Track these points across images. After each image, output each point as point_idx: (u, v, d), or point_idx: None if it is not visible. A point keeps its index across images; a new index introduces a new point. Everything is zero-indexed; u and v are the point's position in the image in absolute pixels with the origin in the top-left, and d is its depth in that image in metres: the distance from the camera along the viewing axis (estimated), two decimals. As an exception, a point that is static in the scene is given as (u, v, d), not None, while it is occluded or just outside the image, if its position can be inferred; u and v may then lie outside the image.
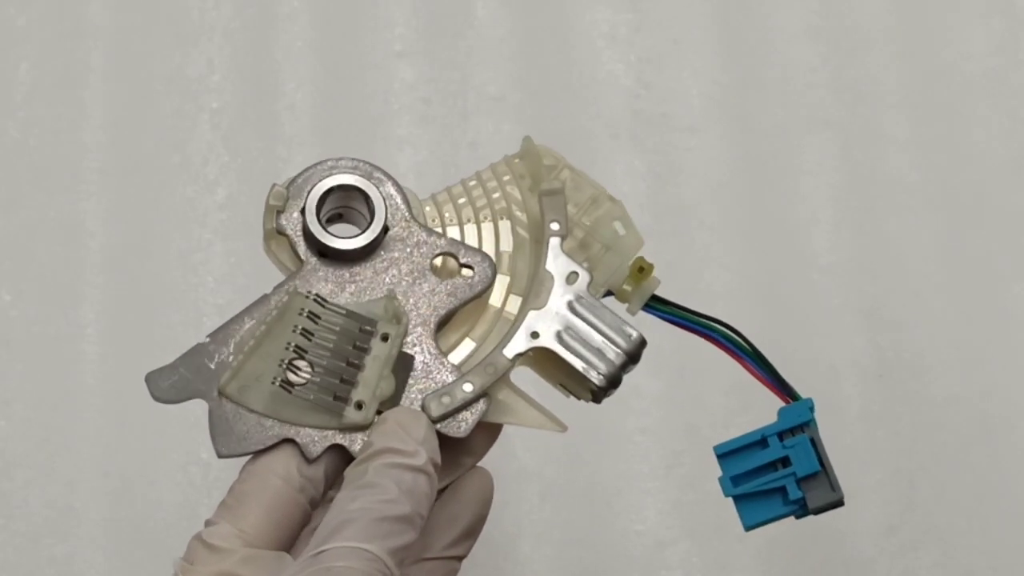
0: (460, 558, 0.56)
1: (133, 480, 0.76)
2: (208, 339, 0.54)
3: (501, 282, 0.56)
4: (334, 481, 0.54)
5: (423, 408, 0.54)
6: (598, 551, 0.76)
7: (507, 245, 0.57)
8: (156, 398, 0.54)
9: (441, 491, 0.56)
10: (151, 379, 0.54)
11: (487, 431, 0.56)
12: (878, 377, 0.79)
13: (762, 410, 0.77)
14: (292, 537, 0.53)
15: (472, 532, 0.56)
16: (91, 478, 0.76)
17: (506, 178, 0.58)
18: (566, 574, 0.75)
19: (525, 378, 0.57)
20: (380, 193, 0.56)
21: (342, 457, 0.54)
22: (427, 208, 0.57)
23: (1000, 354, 0.80)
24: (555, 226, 0.56)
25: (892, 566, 0.76)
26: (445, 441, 0.54)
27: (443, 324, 0.56)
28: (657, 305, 0.57)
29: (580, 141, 0.83)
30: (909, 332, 0.80)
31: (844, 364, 0.79)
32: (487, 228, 0.57)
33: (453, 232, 0.57)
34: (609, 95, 0.85)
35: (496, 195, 0.58)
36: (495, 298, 0.56)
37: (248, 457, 0.54)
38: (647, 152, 0.84)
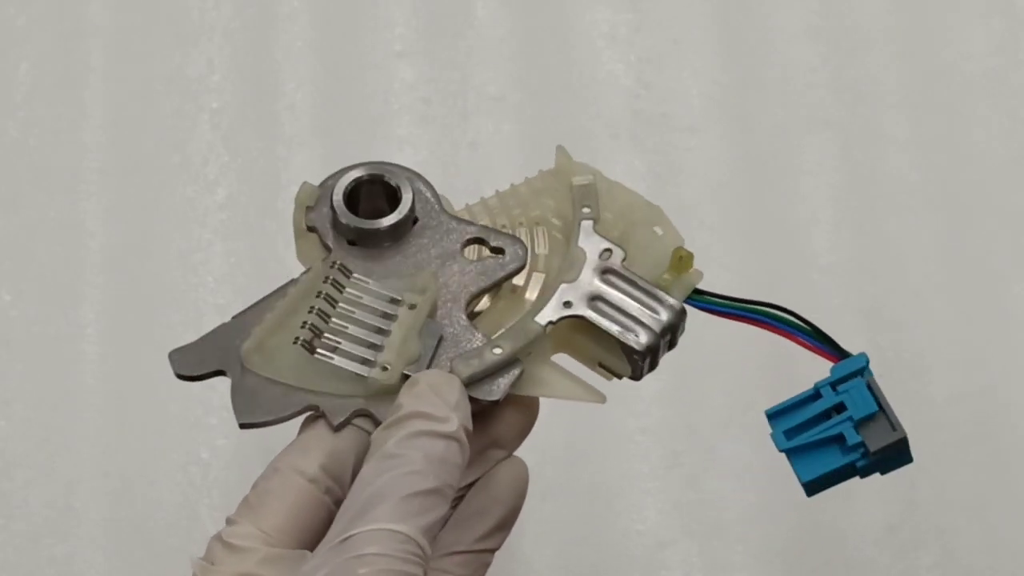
0: (493, 550, 0.54)
1: (133, 480, 0.76)
2: (233, 320, 0.54)
3: (536, 279, 0.55)
4: None
5: (451, 371, 0.52)
6: (598, 551, 0.76)
7: (543, 248, 0.56)
8: (178, 374, 0.54)
9: (471, 484, 0.54)
10: (174, 356, 0.54)
11: (519, 421, 0.55)
12: (878, 377, 0.79)
13: (762, 411, 0.77)
14: (317, 537, 0.50)
15: (505, 524, 0.54)
16: (91, 478, 0.76)
17: (542, 190, 0.57)
18: (566, 574, 0.75)
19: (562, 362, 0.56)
20: (408, 183, 0.55)
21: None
22: (464, 217, 0.57)
23: (1000, 354, 0.80)
24: (586, 210, 0.55)
25: (892, 566, 0.76)
26: (475, 429, 0.52)
27: (473, 304, 0.55)
28: (698, 297, 0.56)
29: (580, 141, 0.83)
30: (909, 332, 0.80)
31: (844, 364, 0.79)
32: (522, 233, 0.56)
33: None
34: (609, 95, 0.85)
35: (531, 204, 0.57)
36: (530, 294, 0.55)
37: (271, 428, 0.53)
38: (647, 152, 0.84)
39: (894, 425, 0.52)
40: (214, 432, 0.76)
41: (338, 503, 0.51)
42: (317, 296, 0.52)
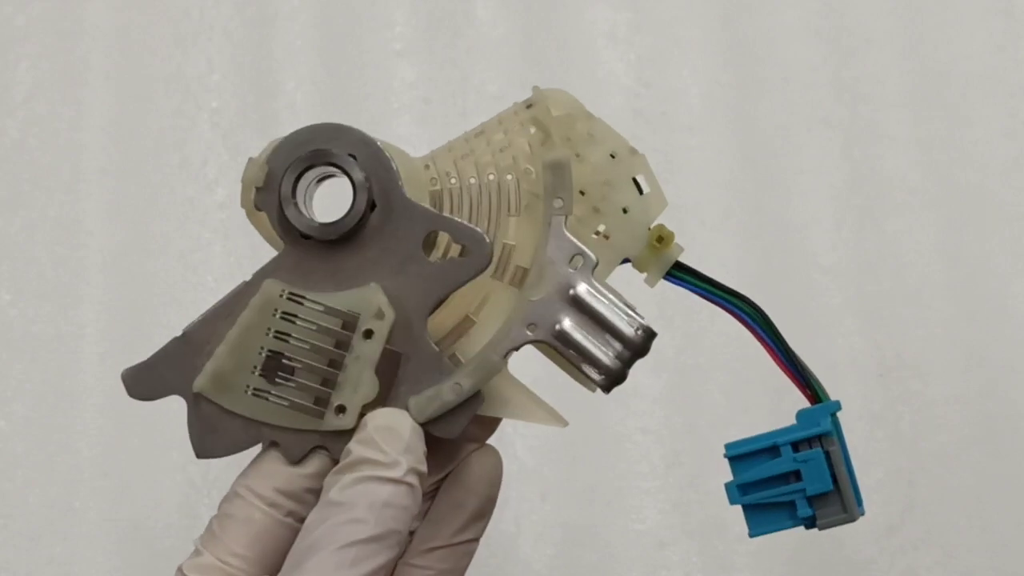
0: (473, 541, 0.54)
1: (133, 480, 0.76)
2: (184, 333, 0.52)
3: (505, 251, 0.53)
4: None
5: (409, 410, 0.51)
6: (598, 551, 0.76)
7: (513, 207, 0.53)
8: (132, 395, 0.53)
9: (444, 478, 0.54)
10: (127, 376, 0.53)
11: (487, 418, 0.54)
12: (878, 377, 0.79)
13: (762, 411, 0.77)
14: (281, 560, 0.50)
15: (482, 514, 0.54)
16: (91, 478, 0.76)
17: (514, 129, 0.53)
18: (566, 574, 0.75)
19: (529, 363, 0.55)
20: (361, 171, 0.51)
21: (333, 462, 0.52)
22: (426, 167, 0.53)
23: (1000, 354, 0.80)
24: (558, 203, 0.52)
25: (892, 566, 0.76)
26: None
27: (436, 309, 0.52)
28: (679, 274, 0.53)
29: (580, 141, 0.83)
30: (909, 332, 0.80)
31: (844, 364, 0.79)
32: (492, 188, 0.53)
33: (454, 193, 0.53)
34: (609, 94, 0.85)
35: (502, 150, 0.53)
36: (495, 268, 0.53)
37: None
38: (647, 151, 0.83)
39: (846, 507, 0.52)
40: (214, 432, 0.76)
41: (302, 521, 0.51)
42: (267, 333, 0.51)
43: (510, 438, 0.77)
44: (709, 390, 0.78)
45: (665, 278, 0.53)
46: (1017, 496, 0.77)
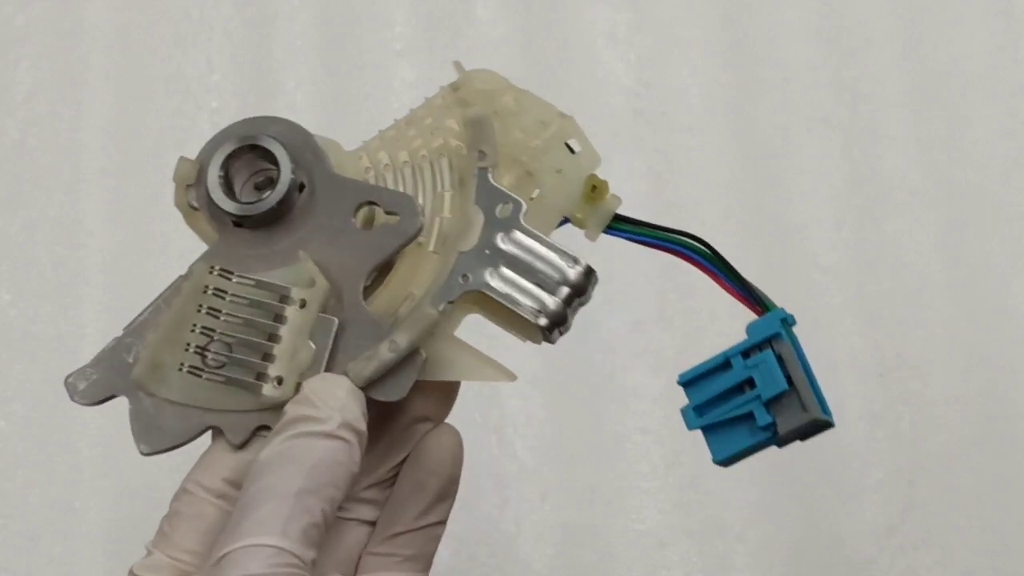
0: (438, 524, 0.52)
1: (133, 480, 0.76)
2: (124, 332, 0.52)
3: (445, 226, 0.51)
4: None
5: (347, 374, 0.49)
6: (598, 551, 0.76)
7: (447, 184, 0.52)
8: (76, 400, 0.52)
9: (402, 462, 0.52)
10: (69, 381, 0.52)
11: (439, 390, 0.52)
12: (878, 377, 0.79)
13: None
14: None
15: (445, 495, 0.52)
16: (91, 478, 0.76)
17: (443, 112, 0.53)
18: (566, 574, 0.75)
19: (473, 325, 0.53)
20: (286, 149, 0.51)
21: None
22: (360, 158, 0.53)
23: (1000, 354, 0.80)
24: (482, 155, 0.51)
25: (892, 566, 0.76)
26: (392, 410, 0.51)
27: (373, 278, 0.51)
28: (620, 225, 0.52)
29: (580, 141, 0.83)
30: (909, 332, 0.80)
31: (844, 364, 0.79)
32: (425, 169, 0.52)
33: (388, 179, 0.52)
34: (609, 94, 0.85)
35: (433, 132, 0.53)
36: (434, 244, 0.51)
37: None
38: (647, 151, 0.84)
39: (805, 404, 0.49)
40: (214, 432, 0.76)
41: None
42: (199, 310, 0.50)
43: (510, 438, 0.77)
44: (709, 390, 0.78)
45: (607, 232, 0.52)
46: (1017, 496, 0.77)
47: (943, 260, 0.81)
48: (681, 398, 0.78)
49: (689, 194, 0.82)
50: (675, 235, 0.52)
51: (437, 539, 0.52)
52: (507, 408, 0.77)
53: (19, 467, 0.76)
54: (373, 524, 0.51)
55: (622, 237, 0.52)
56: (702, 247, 0.52)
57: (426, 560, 0.52)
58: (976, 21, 0.87)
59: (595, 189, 0.52)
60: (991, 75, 0.86)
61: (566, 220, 0.52)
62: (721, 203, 0.83)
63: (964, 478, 0.77)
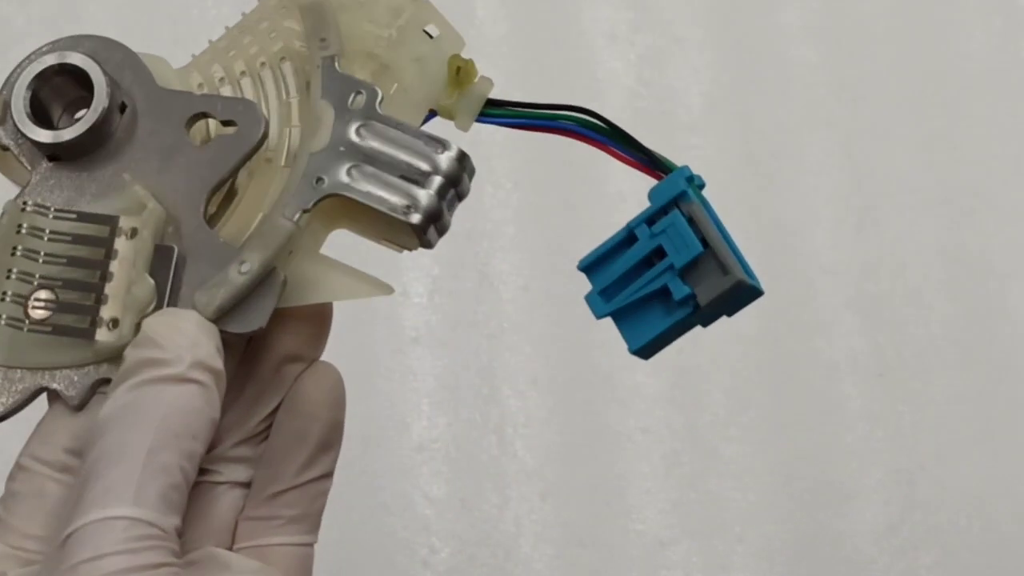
0: (324, 477, 0.45)
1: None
2: None
3: (295, 136, 0.45)
4: None
5: (195, 307, 0.42)
6: (598, 551, 0.76)
7: (293, 90, 0.46)
8: None
9: (274, 412, 0.45)
10: None
11: (308, 321, 0.45)
12: (878, 377, 0.79)
13: (762, 410, 0.77)
14: None
15: (328, 444, 0.45)
16: (91, 478, 0.76)
17: (279, 12, 0.47)
18: (566, 574, 0.75)
19: (344, 243, 0.47)
20: (100, 66, 0.44)
21: None
22: (191, 74, 0.47)
23: (1000, 354, 0.80)
24: (324, 43, 0.45)
25: (892, 566, 0.76)
26: (256, 350, 0.45)
27: (218, 204, 0.45)
28: (493, 111, 0.47)
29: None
30: (909, 332, 0.80)
31: (844, 364, 0.79)
32: (266, 76, 0.46)
33: (226, 93, 0.46)
34: (609, 94, 0.85)
35: (272, 36, 0.47)
36: (286, 158, 0.45)
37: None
38: (647, 152, 0.84)
39: (725, 267, 0.43)
40: (214, 432, 0.76)
41: None
42: (14, 254, 0.43)
43: (510, 438, 0.77)
44: (709, 390, 0.78)
45: (481, 120, 0.47)
46: (1017, 496, 0.77)
47: (943, 260, 0.81)
48: (682, 396, 0.78)
49: (689, 194, 0.82)
50: (558, 111, 0.46)
51: (324, 495, 0.45)
52: (507, 408, 0.77)
53: (19, 467, 0.76)
54: (248, 486, 0.45)
55: (498, 123, 0.47)
56: (592, 119, 0.46)
57: (313, 520, 0.45)
58: (976, 21, 0.87)
59: (460, 71, 0.46)
60: (991, 75, 0.86)
61: (433, 114, 0.47)
62: (721, 203, 0.82)
63: (964, 478, 0.77)
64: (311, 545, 0.45)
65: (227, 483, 0.45)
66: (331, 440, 0.45)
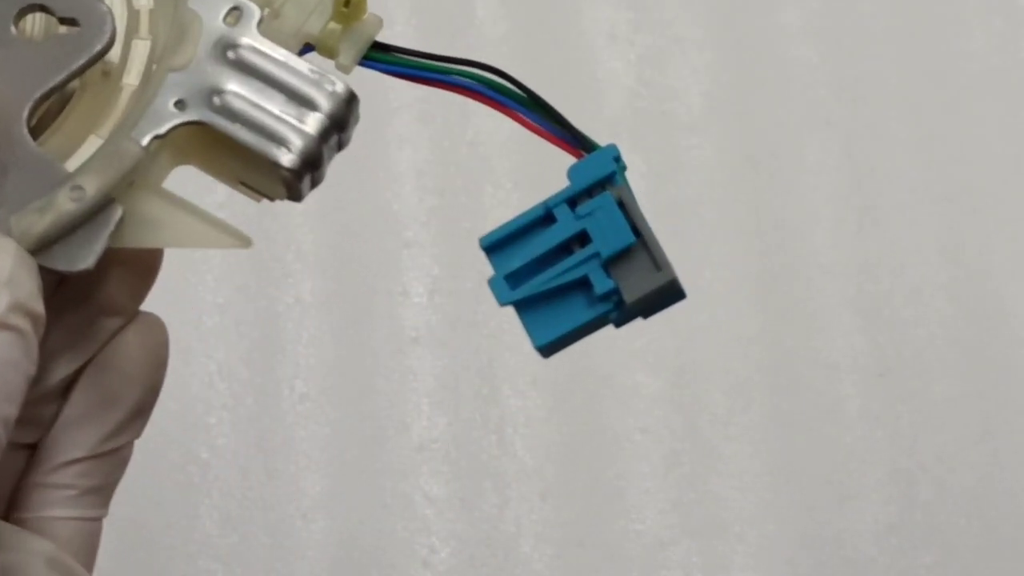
0: (129, 445, 0.41)
1: (133, 480, 0.76)
2: None
3: (140, 50, 0.38)
4: None
5: (10, 232, 0.35)
6: (598, 551, 0.76)
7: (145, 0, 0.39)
8: None
9: (82, 368, 0.39)
10: None
11: (132, 274, 0.39)
12: (878, 377, 0.79)
13: (762, 410, 0.77)
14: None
15: (142, 410, 0.40)
16: (91, 478, 0.76)
17: None
18: (566, 574, 0.75)
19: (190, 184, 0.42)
20: None
21: None
22: None
23: (1000, 354, 0.80)
24: None
25: (892, 566, 0.76)
26: (70, 295, 0.38)
27: (42, 109, 0.38)
28: (379, 55, 0.41)
29: (580, 140, 0.83)
30: (909, 332, 0.80)
31: (844, 364, 0.79)
32: None
33: None
34: (609, 94, 0.85)
35: None
36: (132, 76, 0.38)
37: None
38: (648, 151, 0.84)
39: (658, 262, 0.38)
40: (213, 432, 0.76)
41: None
42: None
43: (510, 438, 0.77)
44: (709, 390, 0.78)
45: (364, 64, 0.41)
46: (1017, 496, 0.77)
47: (943, 260, 0.81)
48: (682, 396, 0.78)
49: (689, 193, 0.82)
50: (455, 65, 0.41)
51: (124, 465, 0.41)
52: (507, 408, 0.77)
53: (19, 467, 0.76)
54: (33, 447, 0.39)
55: (383, 70, 0.41)
56: (500, 80, 0.41)
57: (108, 492, 0.40)
58: (976, 21, 0.87)
59: (350, 3, 0.40)
60: (991, 75, 0.86)
61: (310, 48, 0.40)
62: (721, 203, 0.83)
63: (964, 478, 0.77)
64: (101, 520, 0.40)
65: (9, 443, 0.36)
66: (146, 405, 0.40)
